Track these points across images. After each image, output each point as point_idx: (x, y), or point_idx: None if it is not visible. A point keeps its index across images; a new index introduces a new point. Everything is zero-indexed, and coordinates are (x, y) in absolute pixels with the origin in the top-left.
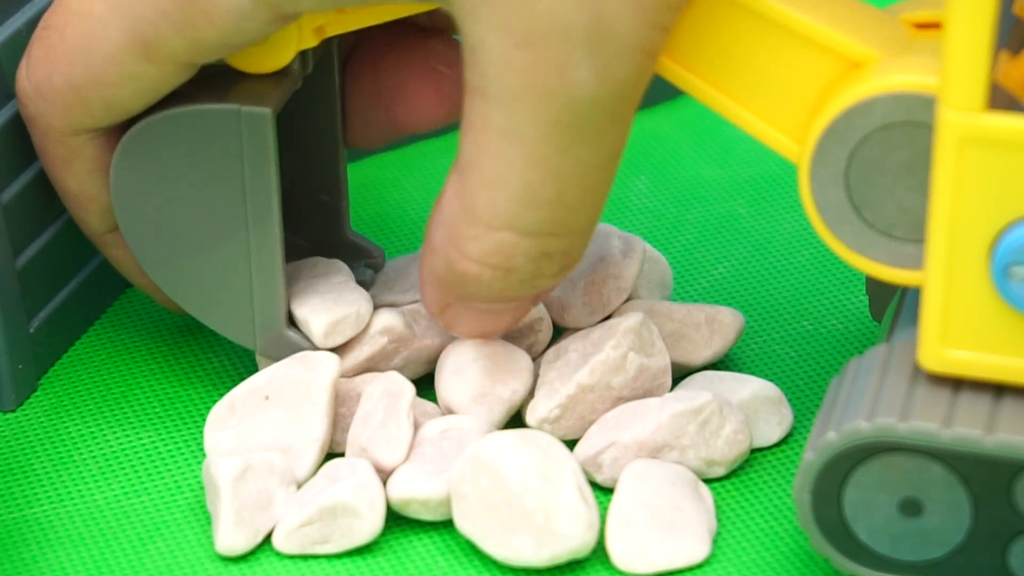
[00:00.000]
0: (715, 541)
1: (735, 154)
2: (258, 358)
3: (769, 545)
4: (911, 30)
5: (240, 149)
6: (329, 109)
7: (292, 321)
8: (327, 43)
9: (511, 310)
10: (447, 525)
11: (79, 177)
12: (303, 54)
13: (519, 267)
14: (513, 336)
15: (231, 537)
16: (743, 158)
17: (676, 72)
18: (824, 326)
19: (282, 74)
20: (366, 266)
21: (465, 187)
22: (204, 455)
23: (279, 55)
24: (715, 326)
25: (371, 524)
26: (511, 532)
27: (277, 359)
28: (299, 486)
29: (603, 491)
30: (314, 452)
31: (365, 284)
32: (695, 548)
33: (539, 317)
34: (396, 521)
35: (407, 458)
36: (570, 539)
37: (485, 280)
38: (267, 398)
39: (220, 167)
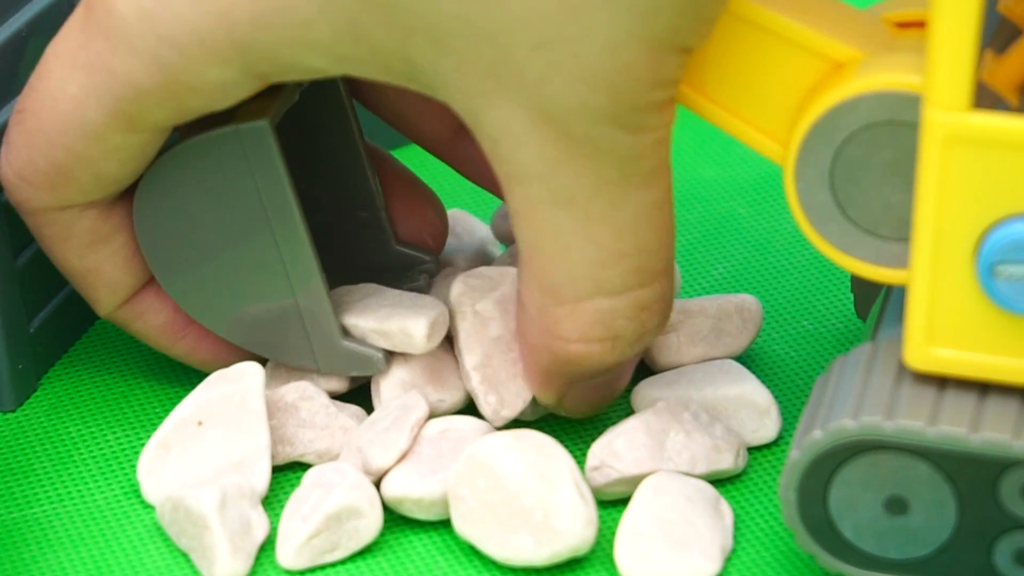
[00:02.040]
0: (729, 560)
1: (735, 154)
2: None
3: (781, 572)
4: (893, 29)
5: (248, 167)
6: (343, 127)
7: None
8: None
9: (624, 371)
10: (446, 525)
11: (78, 252)
12: None
13: (623, 330)
14: None
15: (231, 566)
16: (743, 158)
17: None
18: (824, 326)
19: (276, 88)
20: (420, 272)
21: (538, 272)
22: None
23: None
24: (745, 314)
25: (375, 522)
26: (510, 532)
27: (341, 374)
28: (261, 499)
29: (617, 502)
30: (266, 459)
31: (421, 290)
32: (704, 566)
33: None
34: (396, 521)
35: (396, 464)
36: (570, 536)
37: (595, 357)
38: (200, 424)
39: (234, 191)
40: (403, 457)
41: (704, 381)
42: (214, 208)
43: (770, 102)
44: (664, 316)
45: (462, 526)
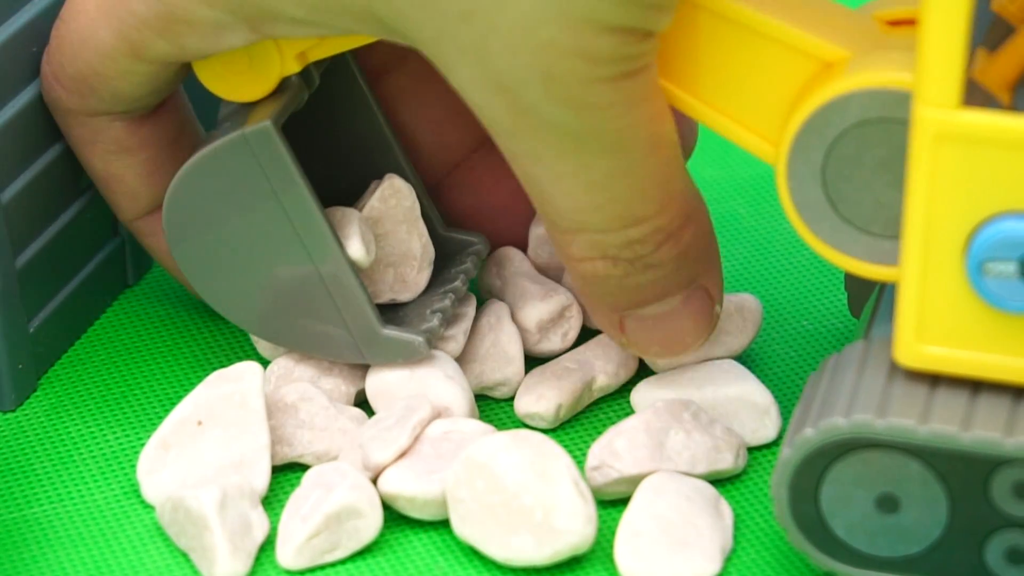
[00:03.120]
0: (729, 560)
1: (735, 154)
2: (259, 346)
3: (780, 570)
4: (884, 27)
5: (261, 170)
6: (370, 124)
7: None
8: (338, 60)
9: (676, 312)
10: (447, 524)
11: (103, 157)
12: (306, 71)
13: (618, 252)
14: (546, 327)
15: (231, 565)
16: (743, 158)
17: None
18: (824, 326)
19: (280, 90)
20: (469, 255)
21: (536, 206)
22: None
23: (262, 82)
24: (745, 313)
25: (374, 522)
26: (511, 532)
27: (386, 363)
28: (261, 499)
29: (617, 502)
30: (266, 458)
31: (469, 272)
32: (704, 566)
33: (568, 304)
34: (396, 521)
35: (394, 461)
36: (570, 535)
37: (603, 274)
38: (200, 423)
39: (252, 195)
40: (403, 455)
41: (705, 381)
42: (236, 214)
43: (761, 103)
44: (662, 246)
45: (462, 528)
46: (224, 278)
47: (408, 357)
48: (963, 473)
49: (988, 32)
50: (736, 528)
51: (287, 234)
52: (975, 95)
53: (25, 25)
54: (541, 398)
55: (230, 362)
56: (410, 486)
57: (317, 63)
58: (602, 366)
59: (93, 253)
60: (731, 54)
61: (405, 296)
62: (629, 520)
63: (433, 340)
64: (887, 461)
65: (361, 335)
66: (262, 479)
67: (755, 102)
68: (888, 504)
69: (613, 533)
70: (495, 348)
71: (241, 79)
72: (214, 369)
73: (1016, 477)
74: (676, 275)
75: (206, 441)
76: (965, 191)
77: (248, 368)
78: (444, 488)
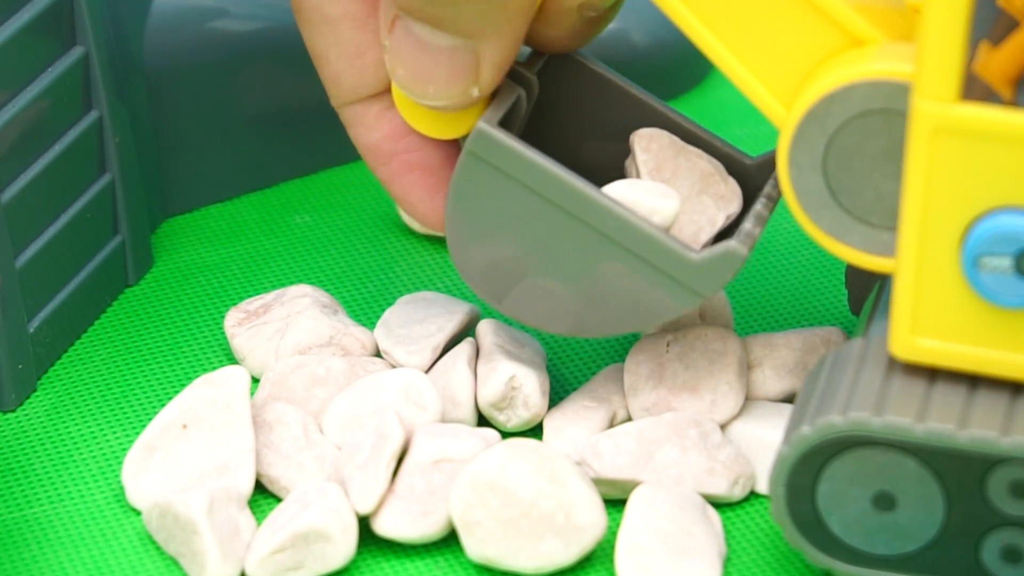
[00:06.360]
0: (726, 565)
1: None
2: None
3: (779, 569)
4: (913, 14)
5: (501, 173)
6: (612, 94)
7: None
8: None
9: (449, 53)
10: (424, 547)
11: (307, 30)
12: (513, 72)
13: None
14: (501, 405)
15: (222, 569)
16: None
17: (680, 12)
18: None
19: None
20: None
21: None
22: None
23: (461, 124)
24: (831, 347)
25: (344, 549)
26: (537, 540)
27: (717, 286)
28: (247, 501)
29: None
30: (250, 462)
31: (772, 197)
32: (707, 573)
33: (512, 374)
34: (369, 544)
35: (381, 504)
36: (594, 528)
37: None
38: (185, 427)
39: (512, 202)
40: (385, 497)
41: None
42: (508, 225)
43: (783, 62)
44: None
45: (482, 550)
46: (518, 286)
47: (733, 266)
48: (959, 471)
49: (994, 26)
50: (730, 532)
51: (560, 218)
52: (976, 89)
53: (27, 24)
54: (574, 440)
55: (232, 362)
56: (407, 530)
57: (526, 65)
58: (619, 400)
59: (93, 253)
60: (766, 7)
61: (734, 207)
62: (627, 533)
63: (749, 241)
64: (883, 459)
65: (682, 275)
66: (247, 482)
67: (778, 60)
68: (884, 502)
69: (612, 536)
70: (446, 391)
71: (442, 120)
72: (214, 369)
73: (1012, 476)
74: (456, 13)
75: (190, 445)
76: (962, 185)
77: (234, 372)
78: (444, 520)
